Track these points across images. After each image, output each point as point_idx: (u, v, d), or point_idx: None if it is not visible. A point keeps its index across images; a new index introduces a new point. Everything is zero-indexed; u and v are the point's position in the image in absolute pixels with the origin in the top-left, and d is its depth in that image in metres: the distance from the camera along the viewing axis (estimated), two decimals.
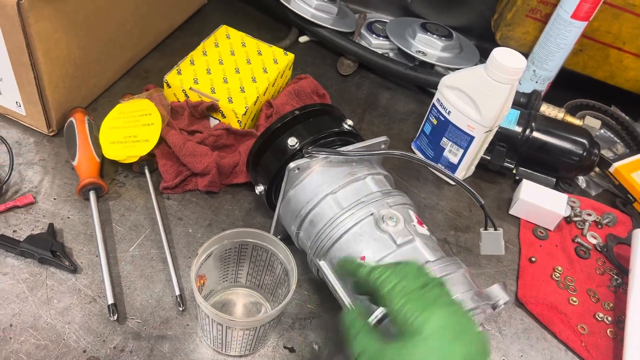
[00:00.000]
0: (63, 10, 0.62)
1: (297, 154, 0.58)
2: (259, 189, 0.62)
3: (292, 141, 0.59)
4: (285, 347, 0.57)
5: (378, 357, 0.40)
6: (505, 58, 0.65)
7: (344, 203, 0.56)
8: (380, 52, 0.93)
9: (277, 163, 0.60)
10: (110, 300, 0.56)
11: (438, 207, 0.75)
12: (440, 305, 0.40)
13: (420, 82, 0.89)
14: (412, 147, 0.82)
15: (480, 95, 0.68)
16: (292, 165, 0.56)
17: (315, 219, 0.57)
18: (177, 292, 0.58)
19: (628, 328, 0.63)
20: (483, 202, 0.59)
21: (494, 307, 0.53)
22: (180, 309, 0.58)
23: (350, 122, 0.62)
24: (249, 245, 0.56)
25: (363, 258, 0.53)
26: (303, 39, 0.96)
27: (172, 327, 0.57)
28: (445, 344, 0.38)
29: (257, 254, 0.56)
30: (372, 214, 0.54)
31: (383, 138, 0.61)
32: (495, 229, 0.61)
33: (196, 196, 0.69)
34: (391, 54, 0.95)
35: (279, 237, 0.65)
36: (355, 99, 0.88)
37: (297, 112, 0.61)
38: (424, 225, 0.56)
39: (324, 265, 0.56)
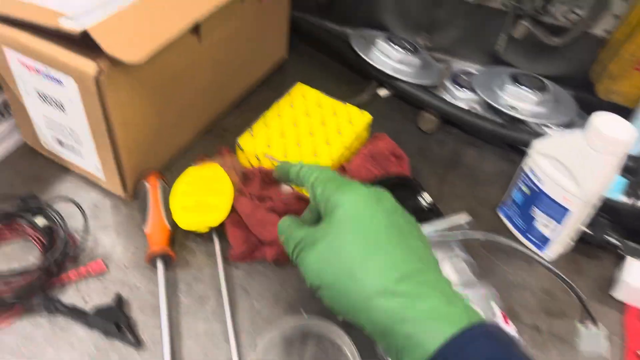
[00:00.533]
0: (140, 79, 0.62)
1: None
2: None
3: None
4: None
5: (307, 241, 0.42)
6: (609, 127, 0.57)
7: None
8: (465, 107, 0.87)
9: None
10: None
11: (527, 286, 0.67)
12: (354, 184, 0.43)
13: (510, 140, 0.82)
14: (499, 213, 0.75)
15: (579, 165, 0.61)
16: None
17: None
18: None
19: None
20: (584, 296, 0.52)
21: None
22: None
23: (428, 197, 0.58)
24: (312, 335, 0.52)
25: None
26: (383, 92, 0.92)
27: None
28: (360, 209, 0.41)
29: (322, 344, 0.52)
30: None
31: (465, 218, 0.56)
32: (596, 327, 0.53)
33: (264, 266, 0.66)
34: (478, 109, 0.89)
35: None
36: (437, 157, 0.83)
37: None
38: (510, 323, 0.50)
39: None
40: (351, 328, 0.60)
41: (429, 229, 0.53)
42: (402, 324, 0.36)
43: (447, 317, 0.36)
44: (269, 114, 0.74)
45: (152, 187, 0.67)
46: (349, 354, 0.49)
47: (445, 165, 0.82)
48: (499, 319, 0.49)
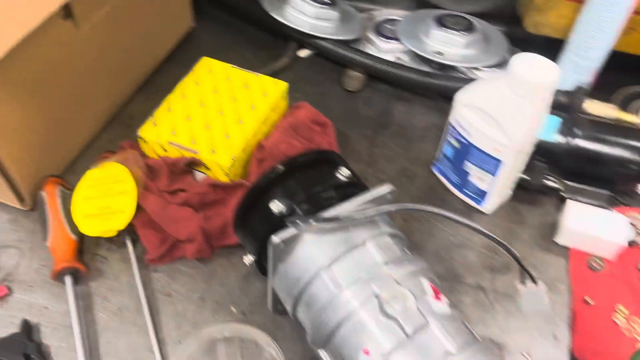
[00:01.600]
0: (8, 78, 0.54)
1: (283, 221, 0.49)
2: (248, 259, 0.53)
3: (276, 206, 0.50)
4: None
5: None
6: (530, 69, 0.53)
7: (342, 281, 0.46)
8: (392, 58, 0.81)
9: (262, 231, 0.50)
10: None
11: (469, 244, 0.64)
12: None
13: (439, 89, 0.77)
14: (434, 170, 0.71)
15: (504, 114, 0.56)
16: (276, 240, 0.47)
17: (310, 301, 0.47)
18: None
19: None
20: (517, 253, 0.49)
21: None
22: None
23: (346, 171, 0.52)
24: (234, 339, 0.47)
25: (366, 352, 0.43)
26: (303, 53, 0.85)
27: None
28: None
29: (245, 345, 0.48)
30: (375, 296, 0.44)
31: (387, 188, 0.51)
32: (535, 283, 0.50)
33: (186, 264, 0.61)
34: (404, 58, 0.83)
35: (280, 307, 0.56)
36: (364, 118, 0.77)
37: (280, 166, 0.52)
38: (442, 298, 0.46)
39: (324, 354, 0.47)
40: (277, 330, 0.56)
41: (350, 207, 0.49)
42: None
43: None
44: (172, 97, 0.67)
45: (50, 196, 0.60)
46: (274, 354, 0.45)
47: (374, 126, 0.77)
48: (430, 295, 0.46)
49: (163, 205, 0.59)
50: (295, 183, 0.51)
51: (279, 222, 0.49)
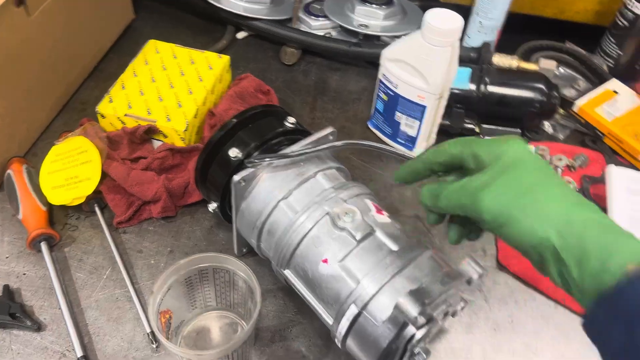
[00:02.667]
0: None
1: (241, 165, 0.56)
2: (212, 206, 0.60)
3: (233, 152, 0.56)
4: None
5: (475, 185, 0.42)
6: (439, 20, 0.62)
7: (297, 207, 0.53)
8: (322, 34, 0.89)
9: (223, 177, 0.57)
10: (80, 353, 0.54)
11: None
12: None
13: (366, 57, 0.86)
14: (369, 126, 0.79)
15: (423, 63, 0.65)
16: (236, 178, 0.53)
17: (272, 229, 0.54)
18: (148, 330, 0.56)
19: None
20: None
21: (469, 282, 0.51)
22: (154, 345, 0.56)
23: (292, 119, 0.60)
24: (207, 269, 0.53)
25: (325, 261, 0.50)
26: (241, 35, 0.92)
27: None
28: (527, 153, 0.42)
29: (218, 275, 0.54)
30: (327, 213, 0.52)
31: (329, 130, 0.59)
32: None
33: (153, 224, 0.66)
34: (334, 33, 0.92)
35: (244, 250, 0.63)
36: (304, 87, 0.85)
37: (234, 119, 0.58)
38: (384, 212, 0.54)
39: (289, 274, 0.54)
40: (249, 256, 0.62)
41: (296, 147, 0.56)
42: (602, 233, 0.37)
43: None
44: (124, 76, 0.72)
45: (17, 173, 0.64)
46: (245, 277, 0.51)
47: (313, 93, 0.85)
48: (373, 211, 0.53)
49: (127, 170, 0.64)
50: (249, 133, 0.58)
51: (238, 167, 0.56)
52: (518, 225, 0.39)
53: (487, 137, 0.43)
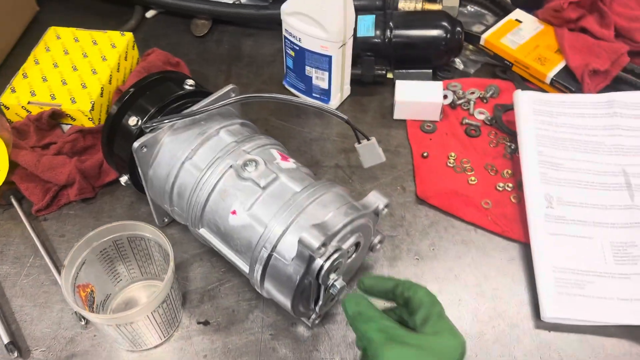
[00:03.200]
0: None
1: (141, 133, 0.56)
2: (123, 179, 0.60)
3: (132, 120, 0.56)
4: (199, 322, 0.56)
5: (394, 334, 0.42)
6: None
7: (202, 164, 0.54)
8: (230, 2, 0.89)
9: (128, 148, 0.57)
10: (6, 340, 0.54)
11: (324, 137, 0.74)
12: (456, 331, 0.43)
13: (276, 18, 0.86)
14: (285, 85, 0.80)
15: (319, 12, 0.66)
16: (136, 144, 0.54)
17: (181, 190, 0.55)
18: (75, 308, 0.56)
19: (525, 185, 0.64)
20: (346, 117, 0.58)
21: (377, 213, 0.52)
22: (83, 322, 0.56)
23: (191, 81, 0.60)
24: (122, 240, 0.54)
25: (234, 212, 0.51)
26: (149, 13, 0.91)
27: (79, 343, 0.55)
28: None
29: (134, 245, 0.54)
30: (231, 166, 0.53)
31: (229, 87, 0.59)
32: (368, 139, 0.60)
33: (74, 208, 0.66)
34: (244, 1, 0.91)
35: (165, 219, 0.63)
36: (217, 56, 0.85)
37: (132, 89, 0.58)
38: (290, 160, 0.55)
39: (204, 232, 0.55)
40: (169, 227, 0.63)
41: (196, 107, 0.56)
42: None
43: None
44: (26, 65, 0.71)
45: None
46: (158, 240, 0.52)
47: (228, 61, 0.84)
48: (278, 159, 0.54)
49: (37, 157, 0.63)
50: (147, 100, 0.58)
51: (139, 135, 0.56)
52: None
53: (447, 317, 0.44)
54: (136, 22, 0.89)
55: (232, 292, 0.59)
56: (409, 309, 0.45)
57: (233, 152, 0.54)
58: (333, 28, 0.66)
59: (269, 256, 0.48)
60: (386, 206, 0.52)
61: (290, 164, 0.54)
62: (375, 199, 0.52)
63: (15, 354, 0.53)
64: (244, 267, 0.52)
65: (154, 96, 0.58)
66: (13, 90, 0.68)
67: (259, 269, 0.49)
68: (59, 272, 0.59)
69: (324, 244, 0.46)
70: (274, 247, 0.48)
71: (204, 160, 0.54)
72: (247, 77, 0.82)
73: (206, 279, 0.60)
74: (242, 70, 0.83)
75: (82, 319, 0.56)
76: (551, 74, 0.75)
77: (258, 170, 0.52)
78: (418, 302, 0.44)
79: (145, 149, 0.54)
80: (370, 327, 0.42)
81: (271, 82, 0.81)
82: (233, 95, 0.59)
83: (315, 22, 0.67)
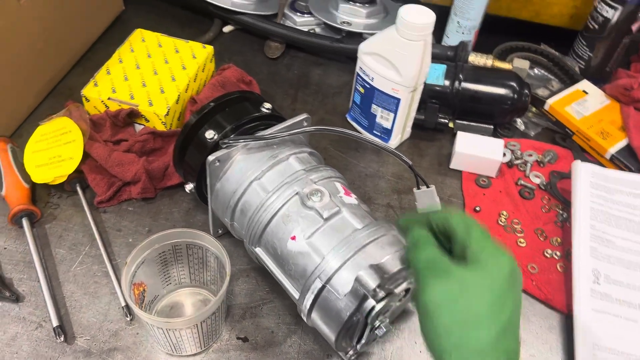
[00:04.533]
0: None
1: (216, 146, 0.58)
2: (189, 187, 0.62)
3: (209, 134, 0.59)
4: (238, 338, 0.58)
5: (440, 267, 0.41)
6: (412, 15, 0.65)
7: (269, 187, 0.56)
8: (306, 30, 0.92)
9: (199, 158, 0.59)
10: (55, 323, 0.56)
11: (379, 174, 0.75)
12: (507, 254, 0.42)
13: (348, 52, 0.88)
14: (347, 118, 0.82)
15: (397, 56, 0.68)
16: (210, 158, 0.56)
17: (245, 208, 0.56)
18: (123, 303, 0.58)
19: (574, 258, 0.64)
20: (410, 162, 0.60)
21: None
22: (128, 318, 0.58)
23: (268, 104, 0.62)
24: (181, 245, 0.55)
25: (293, 238, 0.53)
26: (227, 28, 0.95)
27: (122, 338, 0.57)
28: (505, 280, 0.40)
29: (191, 252, 0.56)
30: (297, 193, 0.54)
31: (303, 115, 0.61)
32: (427, 186, 0.62)
33: (133, 205, 0.68)
34: (318, 30, 0.94)
35: (219, 231, 0.65)
36: (286, 80, 0.88)
37: (212, 103, 0.61)
38: (352, 195, 0.57)
39: (260, 252, 0.56)
40: (225, 237, 0.65)
41: (271, 131, 0.58)
42: None
43: None
44: (110, 62, 0.74)
45: (1, 152, 0.66)
46: (217, 253, 0.54)
47: (295, 86, 0.87)
48: (341, 193, 0.56)
49: (109, 151, 0.66)
50: (225, 116, 0.60)
51: (213, 148, 0.58)
52: (435, 332, 0.40)
53: (488, 235, 0.43)
54: (214, 35, 0.92)
55: (273, 313, 0.60)
56: (449, 240, 0.44)
57: (300, 179, 0.55)
58: (408, 74, 0.68)
59: (322, 287, 0.50)
60: None
61: (353, 199, 0.56)
62: None
63: (62, 339, 0.55)
64: (294, 293, 0.53)
65: (232, 114, 0.60)
66: (96, 84, 0.71)
67: (309, 298, 0.51)
68: (112, 265, 0.61)
69: (379, 286, 0.47)
70: (329, 279, 0.49)
71: (272, 183, 0.56)
72: (312, 104, 0.84)
73: (250, 296, 0.61)
74: (308, 97, 0.85)
75: (128, 315, 0.58)
76: (612, 150, 0.76)
77: (323, 201, 0.53)
78: (453, 231, 0.43)
79: (217, 163, 0.56)
80: (419, 256, 0.42)
81: (334, 113, 0.83)
82: (305, 124, 0.62)
83: (391, 65, 0.69)
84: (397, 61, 0.68)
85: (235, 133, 0.59)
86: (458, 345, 0.39)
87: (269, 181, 0.56)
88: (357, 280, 0.47)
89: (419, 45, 0.66)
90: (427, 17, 0.65)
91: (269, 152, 0.58)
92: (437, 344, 0.40)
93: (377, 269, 0.48)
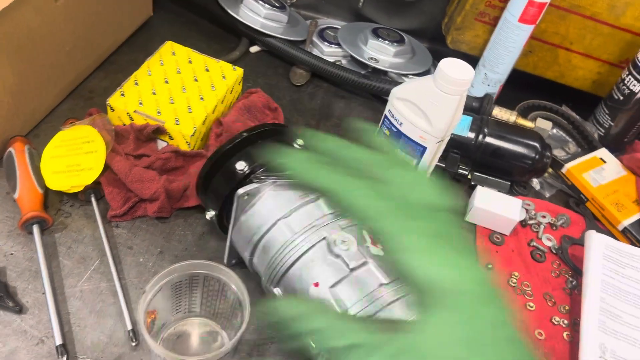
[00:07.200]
0: None
1: (246, 179, 0.57)
2: (210, 214, 0.61)
3: (240, 165, 0.58)
4: None
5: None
6: (452, 69, 0.65)
7: (296, 228, 0.55)
8: (332, 60, 0.92)
9: (226, 188, 0.58)
10: (59, 341, 0.54)
11: None
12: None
13: (373, 90, 0.89)
14: None
15: (430, 106, 0.68)
16: (241, 191, 0.55)
17: (268, 245, 0.55)
18: (129, 327, 0.57)
19: (582, 330, 0.64)
20: None
21: None
22: (133, 344, 0.56)
23: (301, 141, 0.61)
24: (199, 276, 0.54)
25: (316, 285, 0.52)
26: (254, 49, 0.94)
27: None
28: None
29: (208, 283, 0.55)
30: (324, 238, 0.54)
31: None
32: None
33: (146, 222, 0.67)
34: (344, 62, 0.94)
35: (233, 261, 0.64)
36: (309, 109, 0.87)
37: (245, 133, 0.60)
38: (379, 246, 0.56)
39: (278, 292, 0.55)
40: (237, 267, 0.63)
41: None
42: None
43: None
44: (138, 73, 0.73)
45: (19, 152, 0.64)
46: (236, 290, 0.52)
47: (317, 116, 0.87)
48: (369, 242, 0.55)
49: (130, 166, 0.64)
50: (257, 148, 0.59)
51: (242, 180, 0.57)
52: None
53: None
54: (240, 54, 0.91)
55: (281, 354, 0.59)
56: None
57: (329, 224, 0.55)
58: (439, 125, 0.68)
59: None
60: None
61: (379, 250, 0.55)
62: None
63: (65, 358, 0.53)
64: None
65: (265, 148, 0.59)
66: (122, 95, 0.70)
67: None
68: (121, 285, 0.60)
69: None
70: None
71: (299, 224, 0.55)
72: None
73: (259, 333, 0.60)
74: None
75: (134, 340, 0.56)
76: (626, 222, 0.77)
77: (350, 250, 0.53)
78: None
79: (246, 197, 0.55)
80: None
81: None
82: None
83: (423, 114, 0.69)
84: (430, 111, 0.68)
85: (265, 167, 0.58)
86: None
87: (296, 221, 0.55)
88: None
89: (455, 99, 0.66)
90: (467, 73, 0.65)
91: (298, 191, 0.57)
92: None
93: None
